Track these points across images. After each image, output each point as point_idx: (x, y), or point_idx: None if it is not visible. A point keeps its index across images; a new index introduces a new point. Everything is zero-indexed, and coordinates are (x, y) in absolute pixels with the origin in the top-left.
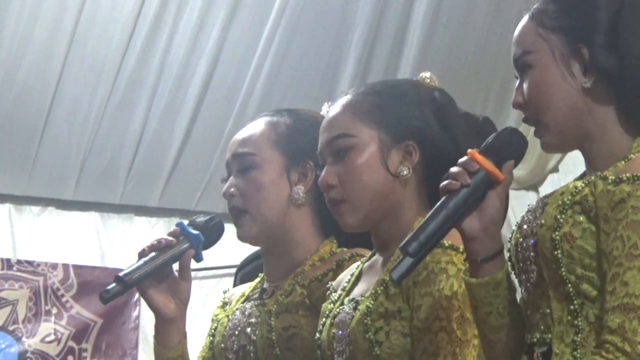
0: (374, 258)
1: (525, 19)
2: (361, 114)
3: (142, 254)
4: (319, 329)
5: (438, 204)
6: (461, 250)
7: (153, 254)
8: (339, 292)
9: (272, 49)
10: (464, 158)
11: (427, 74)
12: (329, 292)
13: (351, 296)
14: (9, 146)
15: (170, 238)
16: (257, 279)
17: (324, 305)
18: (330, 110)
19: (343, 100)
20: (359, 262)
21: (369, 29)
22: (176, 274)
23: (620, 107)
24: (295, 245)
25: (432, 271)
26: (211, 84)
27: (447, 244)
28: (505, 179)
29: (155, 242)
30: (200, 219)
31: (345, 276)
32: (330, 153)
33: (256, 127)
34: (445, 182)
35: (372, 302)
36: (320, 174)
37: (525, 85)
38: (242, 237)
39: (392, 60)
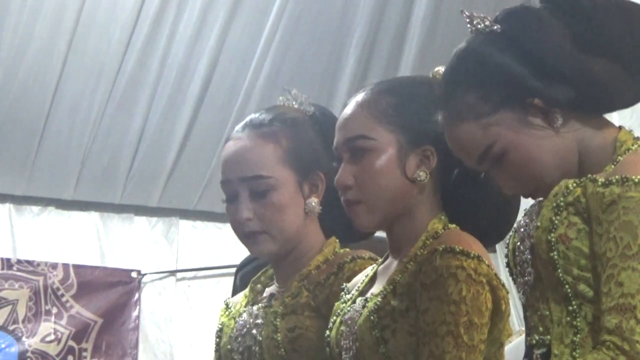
0: (388, 260)
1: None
2: (379, 115)
3: None
4: (329, 327)
5: None
6: (472, 255)
7: None
8: (353, 292)
9: (272, 49)
10: None
11: (441, 70)
12: (342, 292)
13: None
14: (9, 146)
15: None
16: (252, 285)
17: (336, 304)
18: (346, 106)
19: (359, 97)
20: (374, 265)
21: (369, 29)
22: None
23: (591, 117)
24: (307, 251)
25: (442, 275)
26: (211, 84)
27: (457, 249)
28: None
29: None
30: None
31: (360, 278)
32: (347, 151)
33: (258, 146)
34: None
35: (380, 299)
36: (330, 178)
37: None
38: (259, 254)
39: (392, 60)
